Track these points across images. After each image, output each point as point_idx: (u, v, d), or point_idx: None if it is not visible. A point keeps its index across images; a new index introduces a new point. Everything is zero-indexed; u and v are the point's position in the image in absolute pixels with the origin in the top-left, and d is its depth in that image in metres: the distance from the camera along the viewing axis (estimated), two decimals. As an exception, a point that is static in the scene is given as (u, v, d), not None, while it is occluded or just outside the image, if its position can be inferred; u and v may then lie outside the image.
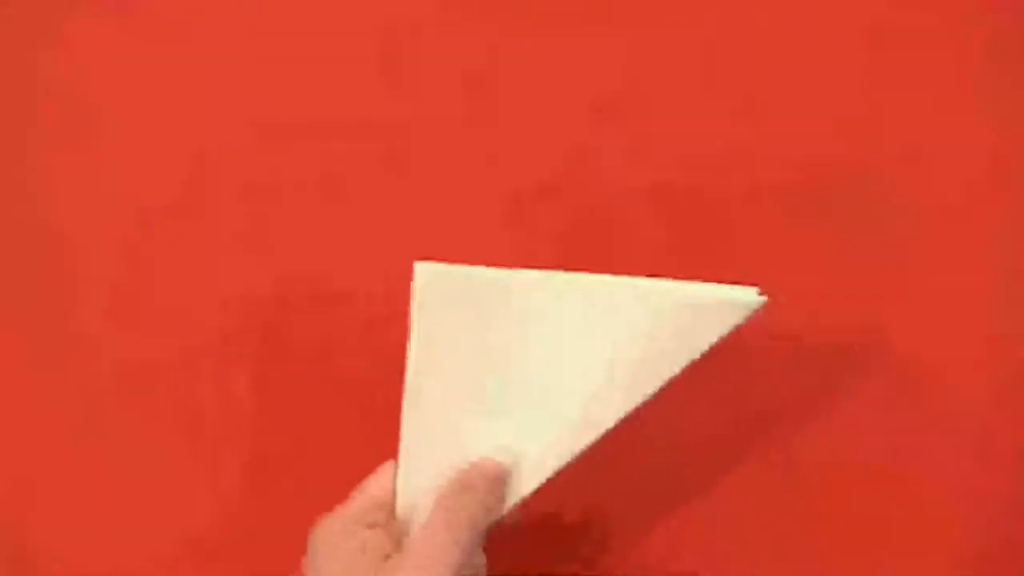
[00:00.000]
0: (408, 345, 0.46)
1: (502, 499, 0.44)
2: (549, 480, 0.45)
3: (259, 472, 0.53)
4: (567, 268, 0.45)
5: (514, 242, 0.55)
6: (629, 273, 0.44)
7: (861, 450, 0.52)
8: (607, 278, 0.45)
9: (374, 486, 0.46)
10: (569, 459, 0.44)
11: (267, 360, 0.54)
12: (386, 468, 0.47)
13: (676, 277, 0.44)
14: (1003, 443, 0.51)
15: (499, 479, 0.44)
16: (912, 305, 0.52)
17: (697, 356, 0.43)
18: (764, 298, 0.42)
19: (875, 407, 0.52)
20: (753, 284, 0.43)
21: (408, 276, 0.47)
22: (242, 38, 0.57)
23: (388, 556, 0.43)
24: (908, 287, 0.52)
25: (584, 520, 0.53)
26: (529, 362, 0.45)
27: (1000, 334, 0.52)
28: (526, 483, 0.45)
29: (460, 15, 0.57)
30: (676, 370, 0.43)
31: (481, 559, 0.46)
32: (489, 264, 0.46)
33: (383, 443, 0.47)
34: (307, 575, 0.44)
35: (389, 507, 0.46)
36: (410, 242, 0.54)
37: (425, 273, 0.46)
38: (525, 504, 0.46)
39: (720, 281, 0.43)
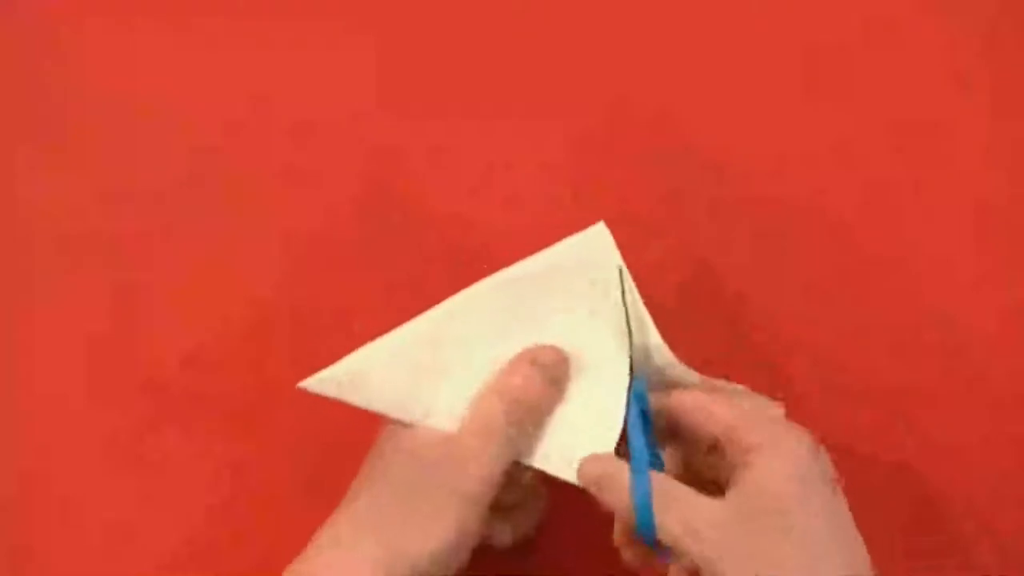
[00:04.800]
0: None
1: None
2: None
3: (259, 472, 0.53)
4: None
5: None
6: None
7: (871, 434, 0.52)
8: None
9: None
10: None
11: (268, 360, 0.54)
12: None
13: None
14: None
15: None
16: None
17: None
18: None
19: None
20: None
21: (408, 275, 0.48)
22: (242, 38, 0.58)
23: None
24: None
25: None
26: None
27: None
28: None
29: (461, 15, 0.57)
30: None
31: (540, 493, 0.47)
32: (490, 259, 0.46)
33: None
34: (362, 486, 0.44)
35: None
36: (410, 241, 0.54)
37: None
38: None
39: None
